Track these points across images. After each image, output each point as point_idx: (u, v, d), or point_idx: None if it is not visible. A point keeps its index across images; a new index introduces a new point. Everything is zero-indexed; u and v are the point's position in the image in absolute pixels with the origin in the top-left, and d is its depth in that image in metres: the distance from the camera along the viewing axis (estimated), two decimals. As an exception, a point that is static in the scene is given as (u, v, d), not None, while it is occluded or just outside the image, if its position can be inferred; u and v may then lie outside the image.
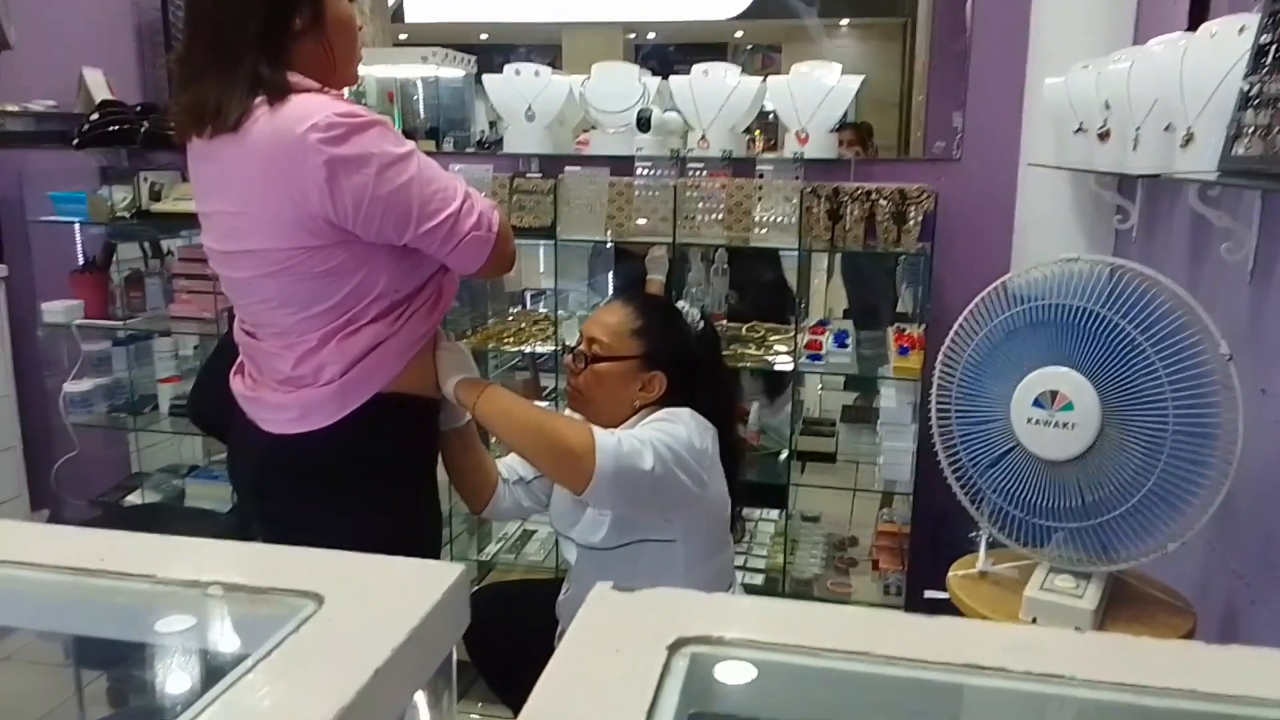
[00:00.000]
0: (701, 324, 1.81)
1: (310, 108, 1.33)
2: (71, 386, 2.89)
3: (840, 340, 2.47)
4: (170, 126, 2.70)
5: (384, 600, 0.71)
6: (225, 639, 0.71)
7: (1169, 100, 1.63)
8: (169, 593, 0.73)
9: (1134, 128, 1.77)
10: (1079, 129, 2.02)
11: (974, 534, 1.87)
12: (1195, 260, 1.82)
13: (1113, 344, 1.54)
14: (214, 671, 0.70)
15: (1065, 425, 1.57)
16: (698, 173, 2.42)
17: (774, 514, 2.78)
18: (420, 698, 0.78)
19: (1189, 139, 1.59)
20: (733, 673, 0.67)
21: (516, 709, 0.58)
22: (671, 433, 1.60)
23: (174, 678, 0.71)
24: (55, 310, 2.85)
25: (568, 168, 2.50)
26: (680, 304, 1.85)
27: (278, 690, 0.61)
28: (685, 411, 1.67)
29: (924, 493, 2.37)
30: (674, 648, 0.67)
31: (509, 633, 1.69)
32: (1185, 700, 0.62)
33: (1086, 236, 2.20)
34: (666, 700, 0.62)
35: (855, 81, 2.36)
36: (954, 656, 0.65)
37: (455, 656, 0.81)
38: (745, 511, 2.74)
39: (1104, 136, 1.92)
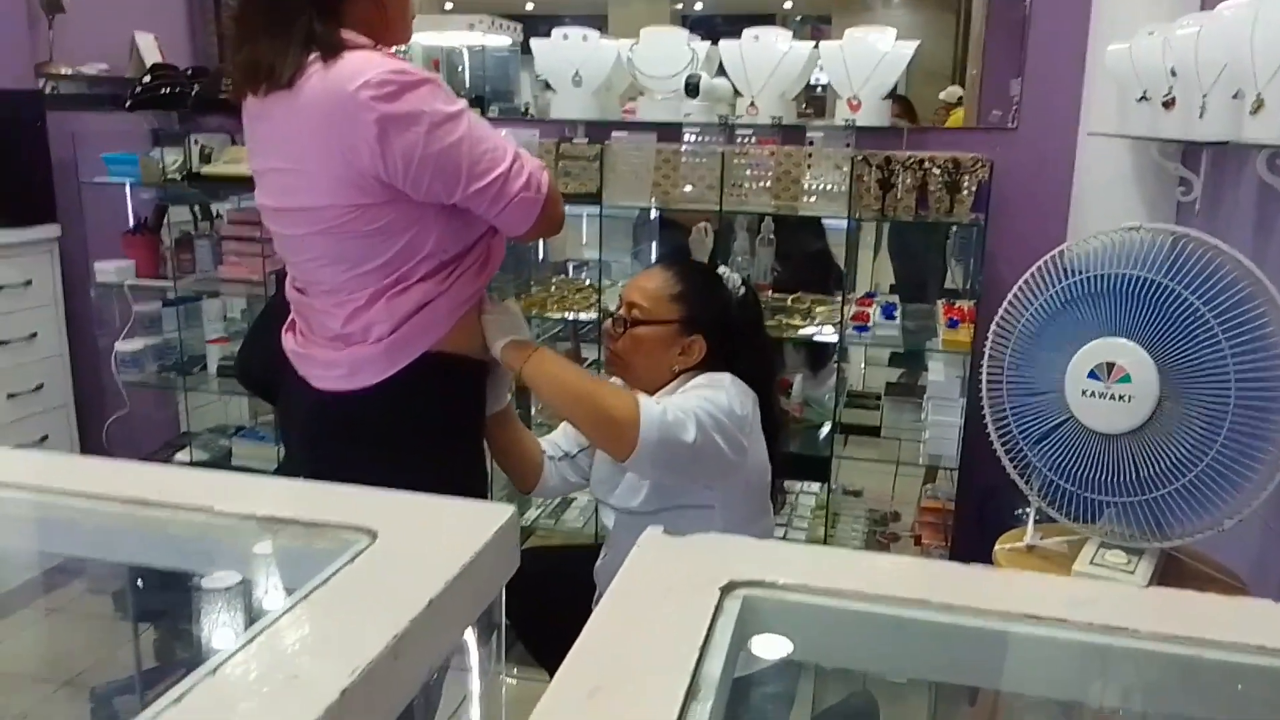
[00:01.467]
0: (743, 289, 1.79)
1: (363, 65, 1.33)
2: (123, 346, 2.94)
3: (888, 312, 2.43)
4: (221, 89, 2.74)
5: (437, 537, 0.71)
6: (280, 570, 0.71)
7: (1239, 66, 1.58)
8: (225, 525, 0.74)
9: (1201, 94, 1.72)
10: (1142, 97, 1.96)
11: (1021, 510, 1.84)
12: (1261, 231, 1.76)
13: (1174, 315, 1.50)
14: (269, 600, 0.70)
15: (1121, 398, 1.54)
16: (746, 140, 2.39)
17: (815, 487, 2.76)
18: (470, 635, 0.79)
19: (1259, 105, 1.54)
20: (786, 616, 0.66)
21: (552, 670, 0.58)
22: (714, 400, 1.59)
23: (230, 606, 0.72)
24: (108, 270, 2.90)
25: (614, 133, 2.48)
26: (721, 269, 1.82)
27: (334, 618, 0.61)
28: (726, 377, 1.66)
29: (969, 468, 2.34)
30: (726, 590, 0.66)
31: (547, 595, 1.69)
32: (1247, 655, 0.60)
33: (1148, 208, 2.14)
34: (719, 640, 0.61)
35: (910, 47, 2.31)
36: (1012, 607, 0.64)
37: (504, 599, 0.81)
38: (786, 484, 2.73)
39: (1169, 104, 1.87)
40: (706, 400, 1.59)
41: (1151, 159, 2.13)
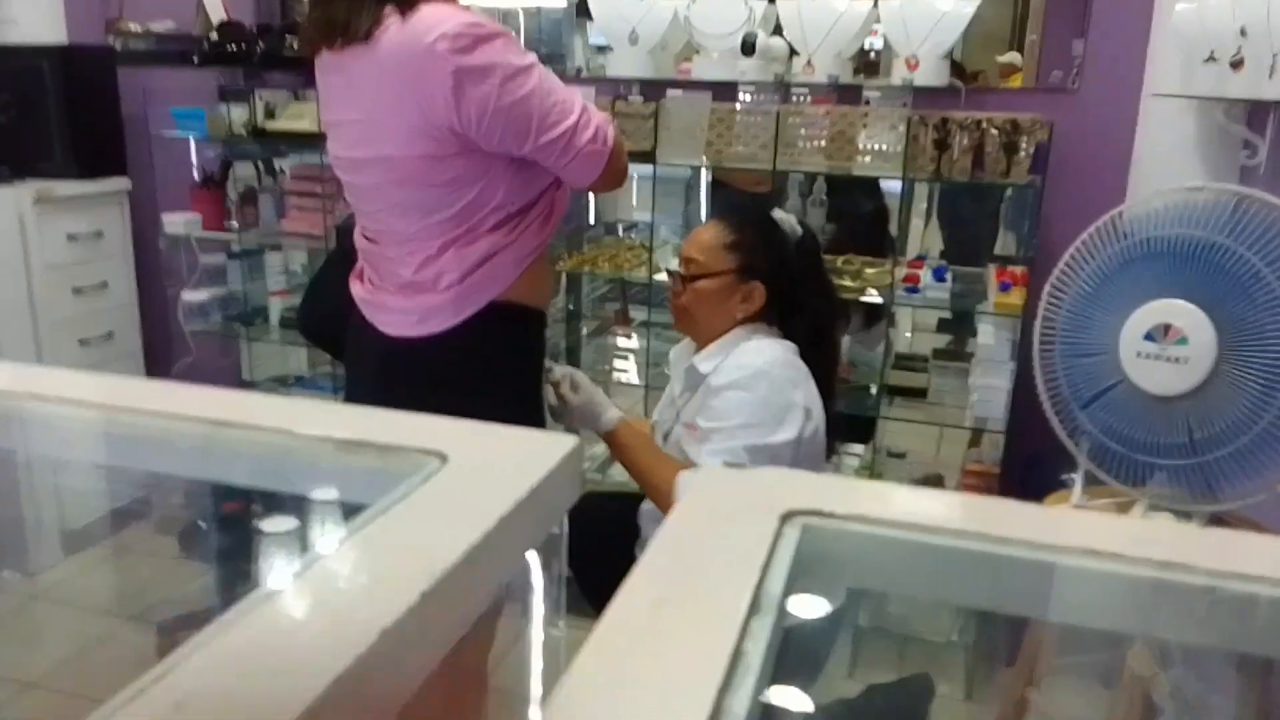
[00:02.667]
0: (799, 232, 1.77)
1: (439, 17, 1.36)
2: (189, 296, 3.03)
3: (939, 275, 2.42)
4: (286, 46, 2.78)
5: (505, 461, 0.74)
6: (354, 488, 0.75)
7: (1313, 23, 1.54)
8: (302, 445, 0.78)
9: (1272, 53, 1.68)
10: (1209, 58, 1.92)
11: (1067, 475, 1.83)
12: (1329, 195, 1.72)
13: (1235, 277, 1.48)
14: (345, 516, 0.74)
15: (1177, 360, 1.53)
16: (801, 99, 2.38)
17: (859, 448, 2.76)
18: (533, 557, 0.82)
19: (1333, 64, 1.51)
20: (845, 545, 0.68)
21: (598, 609, 0.60)
22: (757, 437, 1.60)
23: (306, 522, 0.76)
24: (175, 222, 2.99)
25: (669, 92, 2.48)
26: (777, 213, 1.80)
27: (410, 531, 0.64)
28: (769, 371, 1.64)
29: (1016, 432, 2.33)
30: (785, 518, 0.68)
31: (597, 533, 1.74)
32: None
33: (1210, 171, 2.10)
34: (778, 567, 0.64)
35: (971, 5, 2.27)
36: (1070, 541, 0.65)
37: (567, 528, 0.84)
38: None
39: (1237, 65, 1.83)
40: (750, 436, 1.59)
41: (1216, 121, 2.09)
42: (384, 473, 0.73)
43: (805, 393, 1.67)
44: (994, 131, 2.14)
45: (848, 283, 2.48)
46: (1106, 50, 2.36)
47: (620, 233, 3.20)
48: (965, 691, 2.27)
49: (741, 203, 2.64)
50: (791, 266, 1.74)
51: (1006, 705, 1.69)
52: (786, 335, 1.74)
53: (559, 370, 1.76)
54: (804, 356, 1.72)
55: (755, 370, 1.64)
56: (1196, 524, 1.58)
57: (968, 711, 2.22)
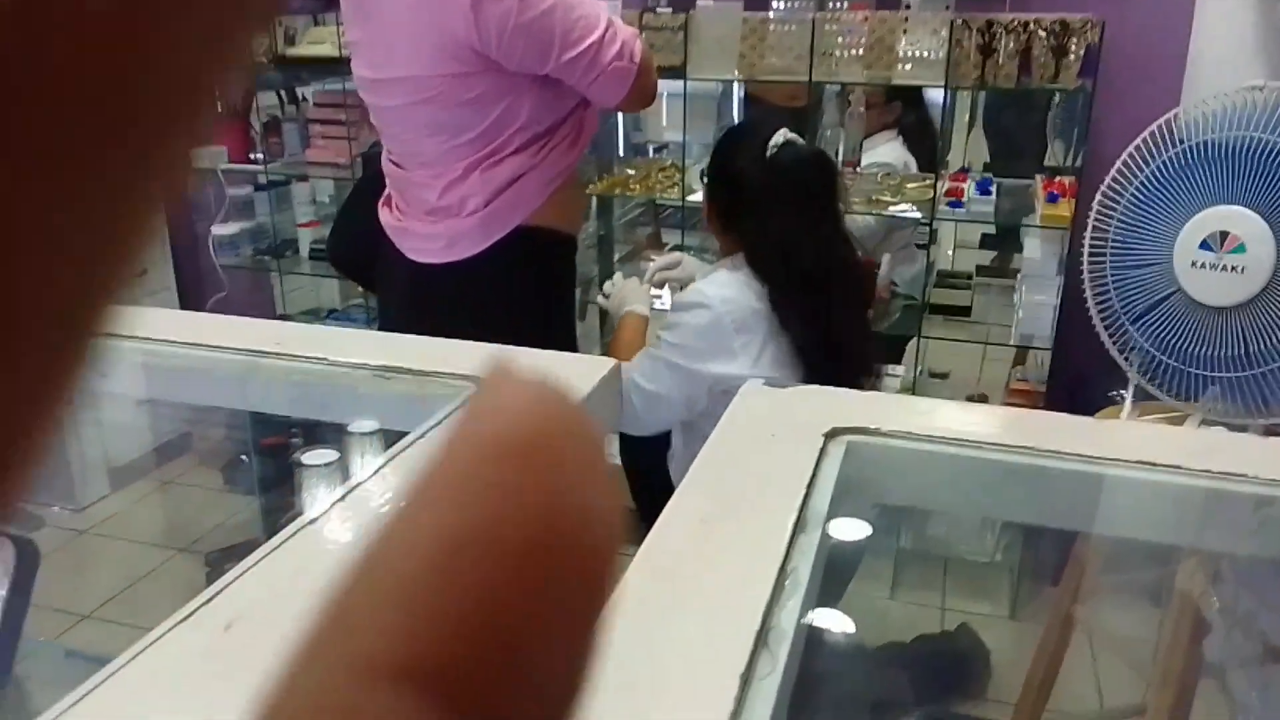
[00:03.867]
0: (776, 150, 1.53)
1: None
2: (219, 230, 3.02)
3: (983, 188, 2.35)
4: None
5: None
6: (392, 415, 0.74)
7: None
8: (340, 373, 0.77)
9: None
10: (1273, -53, 1.81)
11: (1116, 393, 1.79)
12: (1401, 91, 1.63)
13: (1298, 180, 1.42)
14: (384, 443, 0.74)
15: (1234, 269, 1.47)
16: (839, 6, 2.29)
17: (898, 369, 2.73)
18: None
19: None
20: (890, 462, 0.67)
21: (648, 521, 0.58)
22: (686, 361, 1.54)
23: (345, 451, 0.76)
24: (200, 155, 2.97)
25: (699, 2, 2.40)
26: (780, 135, 1.56)
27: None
28: (717, 280, 1.56)
29: (1063, 350, 2.28)
30: (830, 436, 0.66)
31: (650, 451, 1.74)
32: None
33: (1271, 69, 2.00)
34: (823, 483, 0.62)
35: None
36: (1125, 454, 0.63)
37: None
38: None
39: (1304, -47, 1.72)
40: (674, 355, 1.55)
41: (1276, 17, 1.97)
42: (420, 398, 0.72)
43: (742, 346, 1.53)
44: (1042, 34, 2.04)
45: (887, 198, 2.42)
46: (1162, -57, 2.24)
47: (651, 153, 3.13)
48: (1009, 610, 2.27)
49: (774, 119, 2.57)
50: (740, 182, 1.56)
51: (1052, 624, 1.68)
52: (757, 273, 1.55)
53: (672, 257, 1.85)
54: (782, 301, 1.53)
55: (699, 298, 1.55)
56: (1252, 435, 1.54)
57: (1012, 630, 2.22)
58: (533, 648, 0.10)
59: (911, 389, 2.59)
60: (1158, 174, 1.55)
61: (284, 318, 3.27)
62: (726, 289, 1.55)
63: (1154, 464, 0.62)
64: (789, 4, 2.29)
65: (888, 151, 2.58)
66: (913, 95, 2.53)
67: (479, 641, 0.09)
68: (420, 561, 0.10)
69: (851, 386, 1.60)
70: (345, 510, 0.55)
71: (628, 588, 0.50)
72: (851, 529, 0.68)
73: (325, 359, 0.77)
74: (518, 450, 0.10)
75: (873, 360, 1.68)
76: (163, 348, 0.80)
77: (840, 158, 2.63)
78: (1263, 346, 1.47)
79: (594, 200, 2.83)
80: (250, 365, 0.77)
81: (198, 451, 2.95)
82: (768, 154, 1.53)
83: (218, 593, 0.45)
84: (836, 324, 1.56)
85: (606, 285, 1.88)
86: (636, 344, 1.68)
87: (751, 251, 1.56)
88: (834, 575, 0.64)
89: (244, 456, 2.60)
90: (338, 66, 2.62)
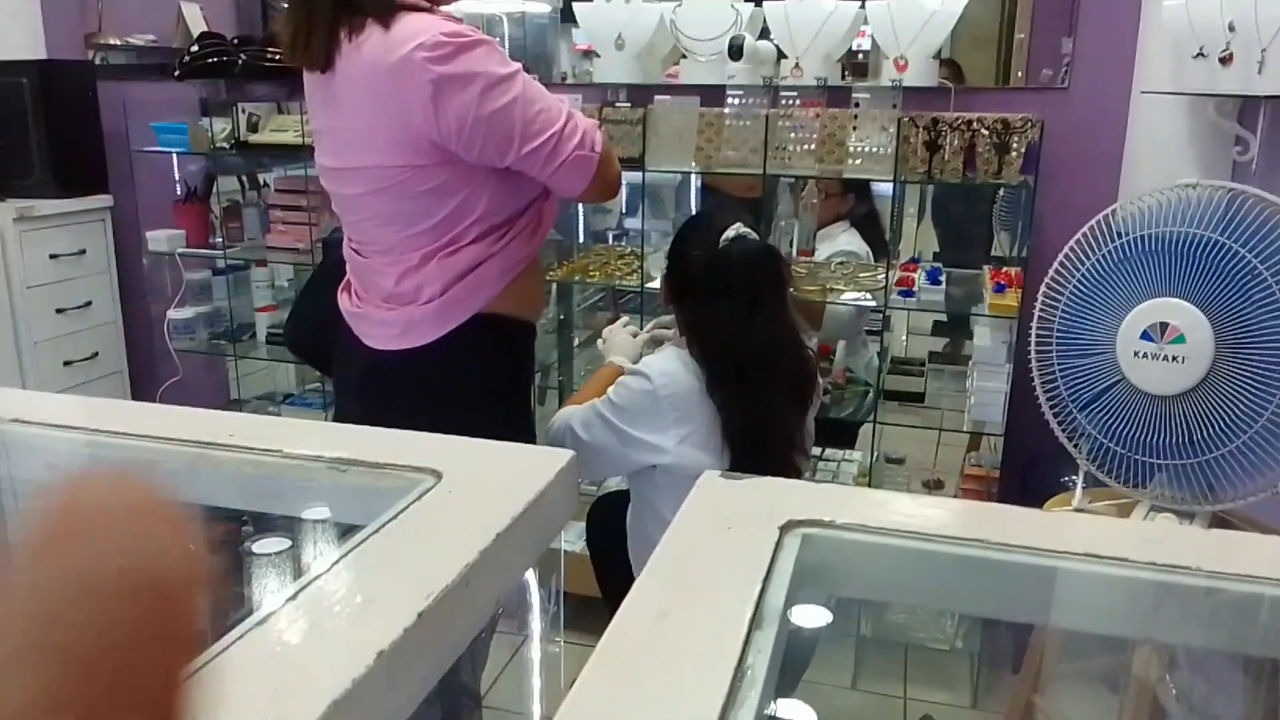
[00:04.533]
0: (727, 243, 1.58)
1: (418, 26, 1.35)
2: (175, 313, 3.00)
3: (933, 277, 2.41)
4: (268, 57, 2.76)
5: (499, 478, 0.73)
6: (348, 508, 0.73)
7: (1302, 17, 1.54)
8: (295, 466, 0.76)
9: (1260, 49, 1.68)
10: (1199, 54, 1.92)
11: (1067, 478, 1.82)
12: (1322, 190, 1.72)
13: (1231, 274, 1.48)
14: (339, 536, 0.72)
15: (1175, 359, 1.52)
16: (790, 102, 2.37)
17: (856, 455, 2.75)
18: (530, 576, 0.80)
19: (1323, 58, 1.50)
20: (845, 554, 0.67)
21: (611, 603, 0.59)
22: (617, 419, 1.63)
23: (299, 543, 0.75)
24: (159, 239, 2.96)
25: (657, 97, 2.47)
26: (734, 229, 1.59)
27: (406, 549, 0.63)
28: (661, 358, 1.65)
29: (1014, 435, 2.32)
30: (786, 528, 0.67)
31: (613, 532, 1.75)
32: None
33: (1202, 168, 2.10)
34: (780, 576, 0.62)
35: (959, 4, 2.27)
36: (1072, 546, 0.64)
37: (563, 544, 0.83)
38: (828, 452, 2.73)
39: (1226, 60, 1.83)
40: (608, 410, 1.63)
41: (1207, 118, 2.08)
42: (377, 491, 0.71)
43: (674, 421, 1.58)
44: (985, 131, 2.13)
45: (840, 286, 2.47)
46: (1095, 47, 2.36)
47: (610, 240, 3.18)
48: (971, 699, 2.25)
49: (731, 208, 2.63)
50: (688, 274, 1.62)
51: (1012, 712, 1.67)
52: (694, 356, 1.60)
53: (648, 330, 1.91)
54: (717, 386, 1.57)
55: (644, 368, 1.64)
56: (1199, 525, 1.57)
57: None
58: (125, 681, 0.11)
59: (869, 473, 2.61)
60: (1098, 267, 1.60)
61: (238, 402, 3.22)
62: (669, 364, 1.62)
63: (1102, 556, 0.63)
64: (743, 100, 2.37)
65: (846, 240, 2.65)
66: (862, 188, 2.61)
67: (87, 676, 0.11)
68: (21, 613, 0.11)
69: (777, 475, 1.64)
70: (298, 608, 0.54)
71: (585, 685, 0.50)
72: (809, 619, 0.68)
73: (279, 450, 0.76)
74: (90, 518, 0.12)
75: (801, 456, 1.68)
76: (106, 439, 0.79)
77: (795, 247, 2.69)
78: (1206, 434, 1.51)
79: (554, 286, 2.86)
80: (198, 457, 0.76)
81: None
82: (720, 245, 1.59)
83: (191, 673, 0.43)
84: (768, 416, 1.59)
85: (605, 330, 1.94)
86: (599, 394, 1.73)
87: (691, 336, 1.62)
88: (792, 668, 0.63)
89: (191, 546, 2.53)
90: (299, 153, 2.65)
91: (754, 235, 1.63)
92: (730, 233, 1.59)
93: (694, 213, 1.89)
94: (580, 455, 1.54)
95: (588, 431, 1.65)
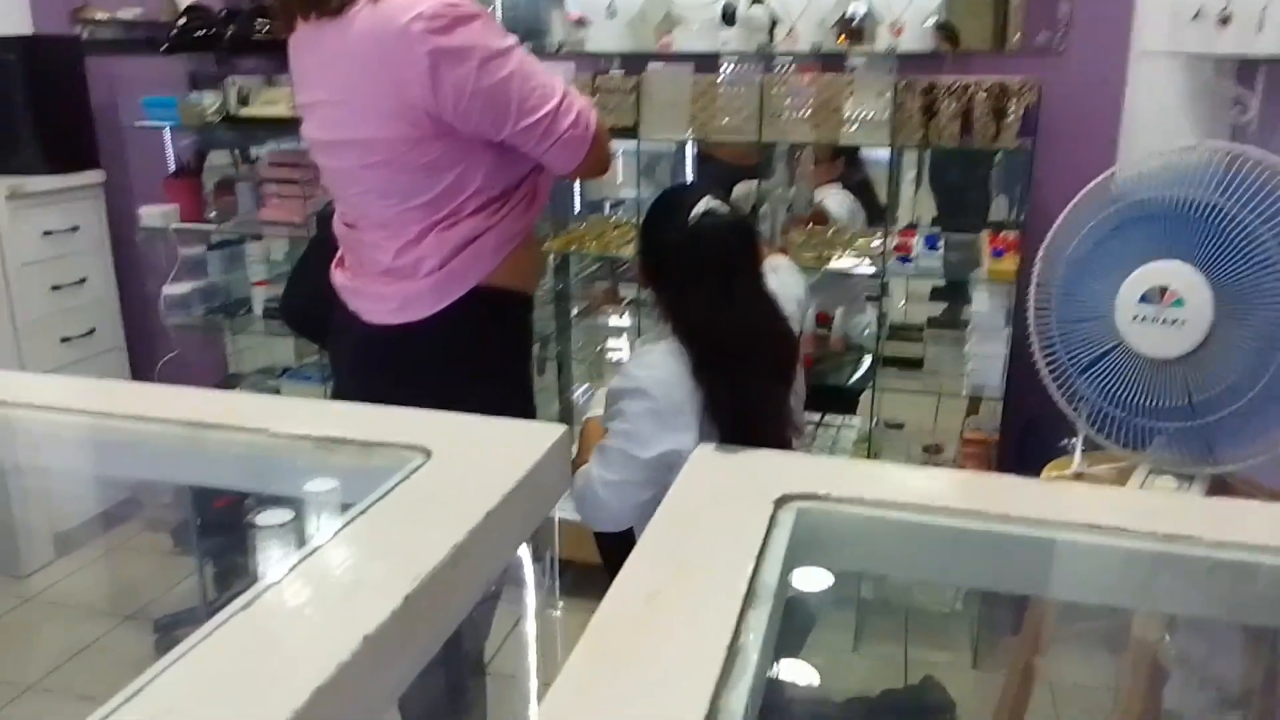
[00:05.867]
0: (697, 220, 1.52)
1: None
2: (170, 289, 2.98)
3: (931, 243, 2.39)
4: (256, 29, 2.73)
5: (490, 454, 0.72)
6: (336, 487, 0.73)
7: (1304, -27, 1.51)
8: (281, 444, 0.75)
9: (1260, 7, 1.65)
10: (1197, 15, 1.89)
11: (1066, 441, 1.82)
12: (1323, 150, 1.70)
13: (1230, 236, 1.46)
14: (329, 517, 0.72)
15: (1174, 322, 1.51)
16: (785, 69, 2.34)
17: (856, 420, 2.75)
18: (524, 551, 0.80)
19: (1325, 15, 1.48)
20: (840, 528, 0.66)
21: (613, 577, 0.58)
22: (636, 450, 1.53)
23: (288, 530, 0.74)
24: (153, 215, 2.93)
25: (650, 65, 2.44)
26: (703, 203, 1.55)
27: (394, 530, 0.62)
28: (647, 360, 1.58)
29: (1014, 399, 2.31)
30: (780, 502, 0.66)
31: None
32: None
33: (1201, 129, 2.08)
34: (774, 550, 0.62)
35: (955, -33, 2.24)
36: (1072, 516, 0.63)
37: (558, 518, 0.82)
38: (828, 418, 2.73)
39: (1225, 21, 1.80)
40: (619, 440, 1.55)
41: (1205, 79, 2.06)
42: (366, 470, 0.71)
43: (685, 424, 1.53)
44: (981, 95, 2.11)
45: (838, 253, 2.46)
46: (1092, 9, 2.32)
47: (606, 210, 3.16)
48: (971, 660, 2.27)
49: (727, 176, 2.61)
50: (666, 253, 1.57)
51: (1013, 672, 1.68)
52: (681, 340, 1.56)
53: None
54: (705, 367, 1.54)
55: (634, 383, 1.55)
56: (1198, 487, 1.56)
57: (974, 680, 2.21)
58: None
59: (868, 439, 2.61)
60: (1097, 231, 1.59)
61: (236, 377, 3.22)
62: (656, 369, 1.54)
63: (1102, 526, 0.62)
64: (738, 67, 2.34)
65: (836, 201, 2.63)
66: (854, 154, 2.59)
67: None
68: None
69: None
70: (283, 592, 0.54)
71: (575, 667, 0.49)
72: (811, 582, 0.67)
73: (265, 430, 0.76)
74: None
75: (793, 430, 1.65)
76: (99, 420, 0.78)
77: (792, 213, 2.67)
78: (1204, 397, 1.50)
79: (550, 257, 2.84)
80: (190, 438, 0.75)
81: (146, 515, 2.88)
82: (689, 223, 1.52)
83: (141, 688, 0.43)
84: (756, 392, 1.56)
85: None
86: (595, 442, 1.68)
87: (675, 319, 1.56)
88: (795, 631, 0.63)
89: (199, 513, 2.54)
90: (292, 126, 2.62)
91: (725, 208, 1.57)
92: (700, 208, 1.53)
93: (666, 189, 1.82)
94: (618, 496, 1.53)
95: (614, 471, 1.55)
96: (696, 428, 1.53)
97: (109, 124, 3.09)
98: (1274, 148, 1.87)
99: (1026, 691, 1.71)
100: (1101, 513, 0.63)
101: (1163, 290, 1.51)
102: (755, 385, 1.55)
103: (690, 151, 2.83)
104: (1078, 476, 1.70)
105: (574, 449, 1.72)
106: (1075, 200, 1.61)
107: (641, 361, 1.59)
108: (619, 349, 2.97)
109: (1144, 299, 1.53)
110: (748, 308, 1.56)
